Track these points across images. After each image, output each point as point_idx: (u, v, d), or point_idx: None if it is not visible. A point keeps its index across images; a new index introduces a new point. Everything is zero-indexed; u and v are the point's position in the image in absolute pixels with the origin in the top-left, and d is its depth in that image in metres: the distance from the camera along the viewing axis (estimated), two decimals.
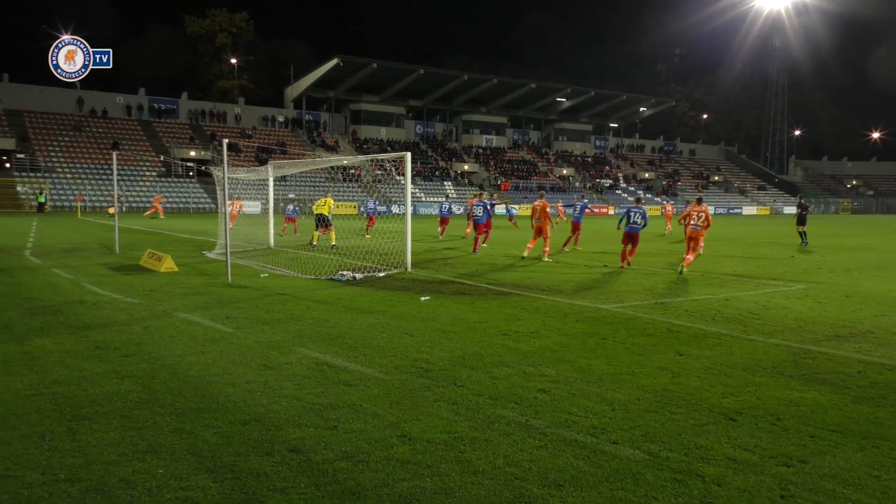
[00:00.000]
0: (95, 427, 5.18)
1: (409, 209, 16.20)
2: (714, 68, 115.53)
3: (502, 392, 6.18)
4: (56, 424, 5.24)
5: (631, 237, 16.87)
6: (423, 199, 69.51)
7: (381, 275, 14.65)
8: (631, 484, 4.29)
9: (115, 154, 21.67)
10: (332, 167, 63.44)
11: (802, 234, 26.30)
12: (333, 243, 20.80)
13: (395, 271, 15.26)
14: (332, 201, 20.89)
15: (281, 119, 78.11)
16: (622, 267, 16.72)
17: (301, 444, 4.88)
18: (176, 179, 62.43)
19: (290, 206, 30.04)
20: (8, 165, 56.55)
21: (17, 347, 7.71)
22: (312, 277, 14.23)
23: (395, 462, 4.58)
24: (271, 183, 22.44)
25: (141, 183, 59.21)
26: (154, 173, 61.74)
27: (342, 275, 14.17)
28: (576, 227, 22.57)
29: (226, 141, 14.84)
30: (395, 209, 59.40)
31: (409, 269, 15.55)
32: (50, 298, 11.19)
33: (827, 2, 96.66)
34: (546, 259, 18.33)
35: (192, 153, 64.90)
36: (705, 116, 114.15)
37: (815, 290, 13.18)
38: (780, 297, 12.34)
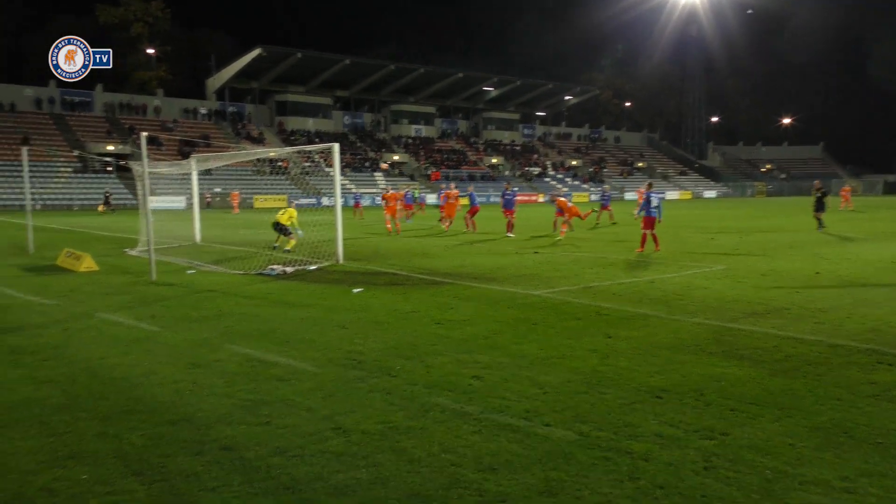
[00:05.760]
0: (12, 435, 4.94)
1: (339, 201, 16.05)
2: (636, 58, 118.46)
3: (436, 380, 6.21)
4: None
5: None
6: (354, 190, 68.86)
7: (313, 268, 14.47)
8: (563, 464, 4.39)
9: (25, 150, 20.58)
10: (258, 160, 62.13)
11: (819, 220, 24.52)
12: (288, 248, 20.13)
13: (327, 264, 15.10)
14: (295, 212, 20.05)
15: (203, 111, 75.79)
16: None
17: (233, 441, 4.78)
18: (93, 175, 59.89)
19: (407, 193, 34.80)
20: None
21: None
22: (241, 273, 13.93)
23: (330, 455, 4.54)
24: (195, 177, 21.78)
25: (56, 179, 56.54)
26: (70, 169, 59.02)
27: (272, 269, 13.92)
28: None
29: (144, 134, 14.33)
30: (325, 201, 58.64)
31: (341, 261, 15.41)
32: None
33: None
34: None
35: (110, 147, 62.25)
36: (628, 104, 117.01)
37: (734, 271, 13.73)
38: (701, 278, 12.81)
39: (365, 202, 38.68)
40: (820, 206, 24.94)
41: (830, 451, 4.60)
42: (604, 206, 29.55)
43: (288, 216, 19.04)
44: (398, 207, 26.85)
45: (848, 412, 5.34)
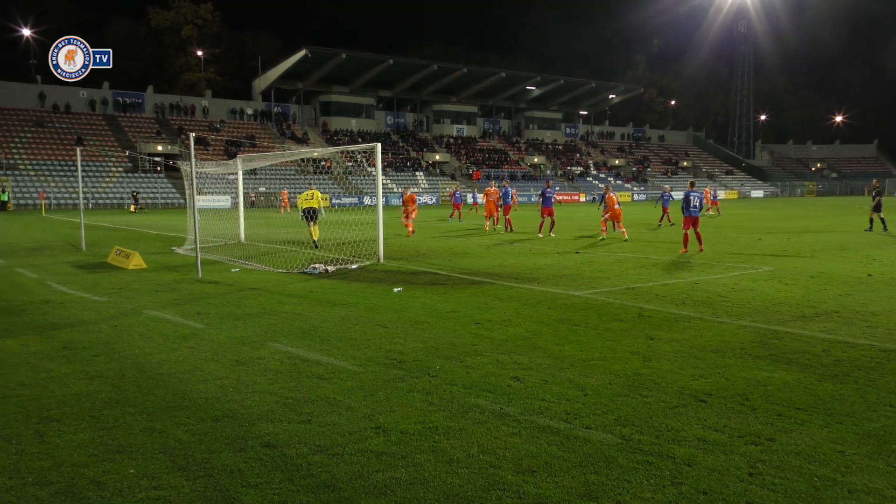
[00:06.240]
0: (64, 429, 5.10)
1: (381, 200, 16.15)
2: (681, 54, 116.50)
3: (476, 381, 6.21)
4: (22, 427, 5.15)
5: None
6: (396, 189, 69.28)
7: (354, 267, 14.60)
8: (604, 468, 4.34)
9: (79, 150, 21.25)
10: (302, 159, 62.96)
11: (882, 221, 23.94)
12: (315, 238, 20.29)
13: (368, 263, 15.21)
14: (319, 194, 20.33)
15: (249, 112, 77.13)
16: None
17: (275, 438, 4.85)
18: (143, 175, 61.44)
19: (456, 193, 34.75)
20: None
21: None
22: (284, 271, 14.13)
23: (370, 454, 4.57)
24: (240, 176, 22.19)
25: (107, 179, 58.19)
26: (120, 169, 60.67)
27: (314, 268, 14.09)
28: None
29: (193, 135, 14.64)
30: (366, 200, 59.15)
31: (382, 260, 15.51)
32: (14, 298, 10.97)
33: None
34: None
35: (159, 147, 63.84)
36: (673, 103, 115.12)
37: (782, 272, 13.41)
38: (747, 279, 12.53)
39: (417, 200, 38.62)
40: (876, 206, 24.10)
41: (882, 459, 4.46)
42: (664, 208, 29.54)
43: (317, 199, 19.24)
44: (414, 209, 25.52)
45: None
